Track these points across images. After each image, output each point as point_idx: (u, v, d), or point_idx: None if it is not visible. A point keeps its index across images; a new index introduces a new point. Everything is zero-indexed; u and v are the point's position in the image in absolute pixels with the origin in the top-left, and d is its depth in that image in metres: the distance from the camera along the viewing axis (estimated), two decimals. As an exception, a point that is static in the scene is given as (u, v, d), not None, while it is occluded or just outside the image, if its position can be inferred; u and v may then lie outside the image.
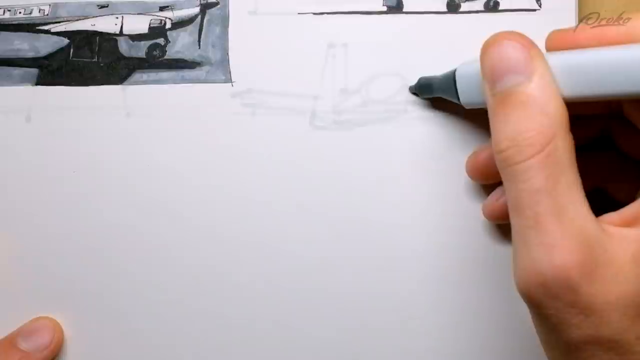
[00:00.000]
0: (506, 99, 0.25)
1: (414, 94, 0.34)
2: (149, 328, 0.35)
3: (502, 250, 0.34)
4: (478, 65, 0.28)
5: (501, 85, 0.26)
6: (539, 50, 0.26)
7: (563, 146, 0.24)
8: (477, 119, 0.34)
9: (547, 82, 0.25)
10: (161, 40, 0.35)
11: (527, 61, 0.25)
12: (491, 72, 0.26)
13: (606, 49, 0.26)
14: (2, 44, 0.35)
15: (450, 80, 0.31)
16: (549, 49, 0.28)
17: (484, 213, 0.33)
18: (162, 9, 0.35)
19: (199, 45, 0.35)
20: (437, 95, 0.33)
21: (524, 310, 0.26)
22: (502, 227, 0.34)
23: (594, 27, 0.27)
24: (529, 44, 0.26)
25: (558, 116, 0.25)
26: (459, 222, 0.34)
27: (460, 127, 0.34)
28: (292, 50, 0.35)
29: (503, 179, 0.26)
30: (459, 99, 0.31)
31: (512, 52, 0.26)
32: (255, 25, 0.35)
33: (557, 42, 0.27)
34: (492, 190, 0.33)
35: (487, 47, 0.27)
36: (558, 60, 0.26)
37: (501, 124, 0.25)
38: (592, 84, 0.25)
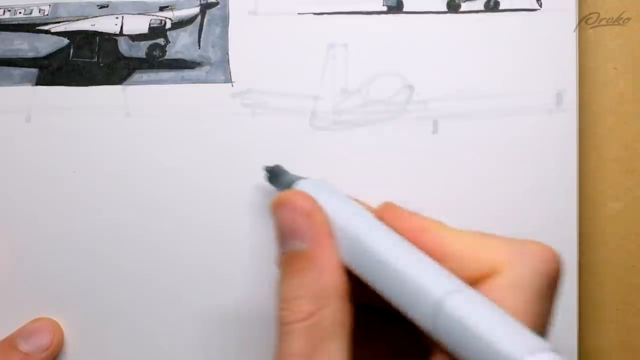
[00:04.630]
0: (289, 260, 0.26)
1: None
2: (149, 328, 0.35)
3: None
4: None
5: (286, 247, 0.27)
6: (324, 217, 0.26)
7: (331, 316, 0.25)
8: (478, 118, 0.34)
9: (321, 251, 0.26)
10: (161, 41, 0.35)
11: (309, 228, 0.26)
12: (278, 234, 0.27)
13: (391, 250, 0.25)
14: (2, 44, 0.35)
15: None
16: (378, 214, 0.27)
17: None
18: (162, 9, 0.35)
19: (199, 45, 0.35)
20: None
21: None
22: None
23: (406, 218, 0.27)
24: (312, 210, 0.27)
25: (331, 285, 0.25)
26: (459, 219, 0.34)
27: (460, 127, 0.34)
28: (292, 50, 0.35)
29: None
30: None
31: (291, 218, 0.27)
32: (255, 25, 0.35)
33: (386, 215, 0.27)
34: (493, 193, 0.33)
35: (275, 207, 0.27)
36: (348, 229, 0.26)
37: (281, 285, 0.27)
38: (369, 274, 0.25)
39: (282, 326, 0.26)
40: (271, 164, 0.32)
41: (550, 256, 0.24)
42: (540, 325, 0.23)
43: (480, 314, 0.22)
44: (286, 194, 0.28)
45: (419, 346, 0.25)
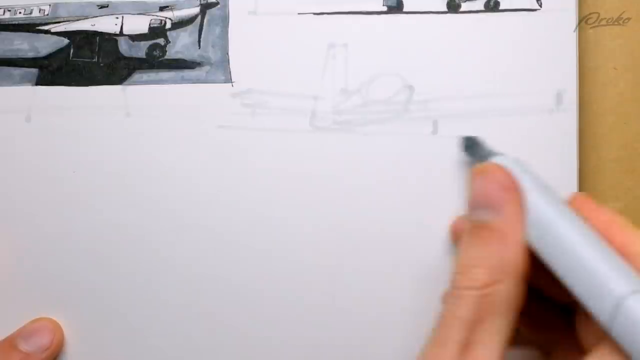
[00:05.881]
0: (475, 228, 0.27)
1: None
2: (148, 328, 0.35)
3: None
4: None
5: (474, 215, 0.27)
6: (518, 194, 0.27)
7: (505, 292, 0.25)
8: (478, 118, 0.34)
9: (511, 227, 0.26)
10: (161, 41, 0.35)
11: (500, 202, 0.27)
12: (471, 201, 0.28)
13: (589, 249, 0.25)
14: (2, 44, 0.35)
15: None
16: (571, 203, 0.28)
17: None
18: (162, 9, 0.35)
19: (199, 45, 0.35)
20: None
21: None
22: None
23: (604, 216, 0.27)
24: (511, 186, 0.27)
25: (513, 262, 0.26)
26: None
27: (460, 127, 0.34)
28: (292, 50, 0.35)
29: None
30: None
31: (490, 189, 0.27)
32: (255, 25, 0.35)
33: (577, 205, 0.28)
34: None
35: (476, 175, 0.28)
36: (539, 211, 0.26)
37: (463, 249, 0.27)
38: (553, 259, 0.26)
39: (454, 290, 0.26)
40: (469, 134, 0.33)
41: None
42: None
43: None
44: (489, 165, 0.28)
45: (573, 342, 0.26)
